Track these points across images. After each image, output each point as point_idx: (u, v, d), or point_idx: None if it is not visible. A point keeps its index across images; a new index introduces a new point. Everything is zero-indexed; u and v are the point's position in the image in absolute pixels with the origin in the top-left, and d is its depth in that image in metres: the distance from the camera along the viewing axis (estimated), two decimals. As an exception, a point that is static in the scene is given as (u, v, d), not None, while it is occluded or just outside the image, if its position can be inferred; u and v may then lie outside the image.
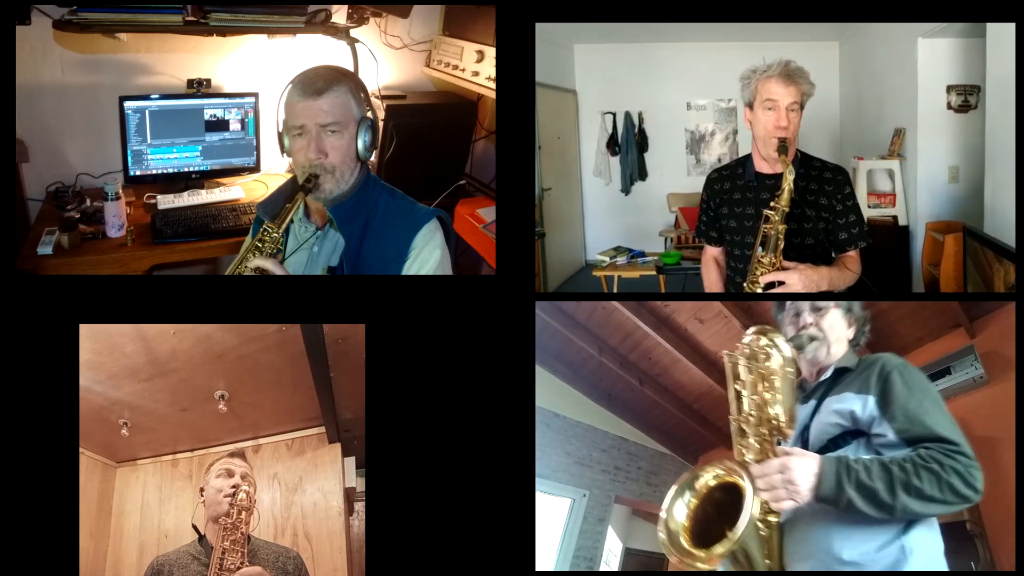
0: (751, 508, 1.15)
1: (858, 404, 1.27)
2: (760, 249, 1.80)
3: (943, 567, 1.24)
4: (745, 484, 1.17)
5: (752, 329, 1.29)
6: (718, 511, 1.21)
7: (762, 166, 1.91)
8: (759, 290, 1.79)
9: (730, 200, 1.97)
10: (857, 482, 1.15)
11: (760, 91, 1.82)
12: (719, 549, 1.15)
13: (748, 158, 1.96)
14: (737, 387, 1.29)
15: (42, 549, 1.71)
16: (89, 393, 1.94)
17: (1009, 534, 1.93)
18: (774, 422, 1.25)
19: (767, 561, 1.22)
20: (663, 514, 1.23)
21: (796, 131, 1.83)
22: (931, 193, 4.09)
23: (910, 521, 1.21)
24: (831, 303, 1.40)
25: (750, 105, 1.87)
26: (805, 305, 1.41)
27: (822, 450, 1.29)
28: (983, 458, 2.29)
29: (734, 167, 2.01)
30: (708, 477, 1.23)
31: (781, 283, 1.76)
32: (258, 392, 2.09)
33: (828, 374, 1.38)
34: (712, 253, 2.12)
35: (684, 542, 1.19)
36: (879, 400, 1.25)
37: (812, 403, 1.36)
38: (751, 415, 1.27)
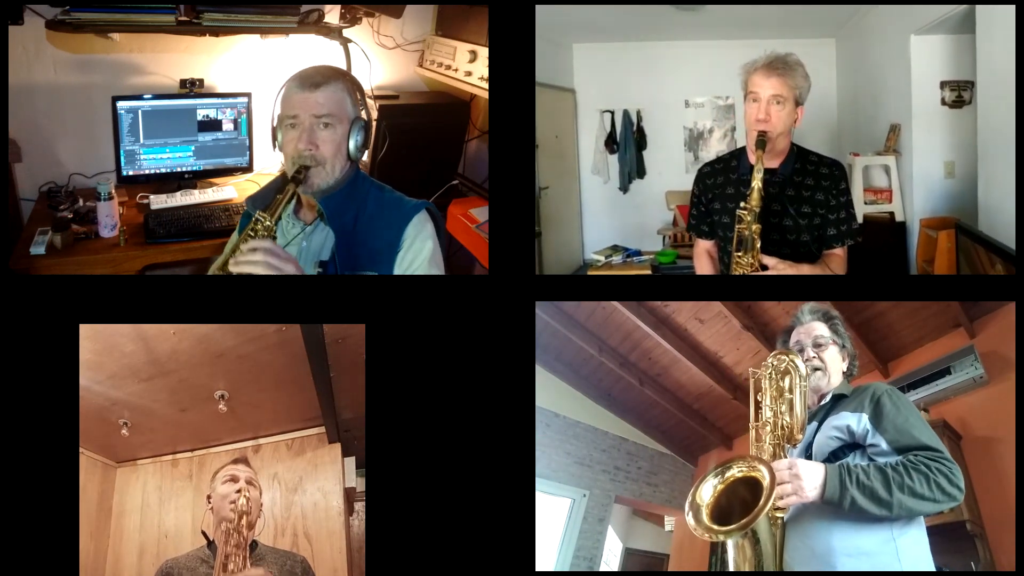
0: (770, 497, 1.27)
1: (853, 419, 1.43)
2: (739, 251, 1.77)
3: (931, 563, 1.35)
4: (766, 478, 1.30)
5: (775, 352, 1.51)
6: (739, 498, 1.33)
7: (755, 159, 1.85)
8: None
9: (723, 195, 1.93)
10: (858, 482, 1.28)
11: (748, 84, 1.81)
12: (735, 527, 1.27)
13: (742, 151, 1.91)
14: (758, 399, 1.47)
15: (42, 549, 1.70)
16: (89, 393, 1.93)
17: (1009, 534, 1.94)
18: (786, 430, 1.44)
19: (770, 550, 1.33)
20: (691, 494, 1.36)
21: (784, 126, 1.77)
22: (927, 189, 4.09)
23: (904, 522, 1.34)
24: (830, 340, 1.57)
25: (745, 98, 1.85)
26: (808, 341, 1.57)
27: (824, 462, 1.41)
28: (983, 458, 2.32)
29: (727, 160, 1.97)
30: (735, 469, 1.36)
31: None
32: (258, 392, 2.08)
33: (827, 400, 1.54)
34: (704, 246, 2.08)
35: (705, 517, 1.32)
36: (872, 417, 1.41)
37: (814, 424, 1.51)
38: (768, 423, 1.45)
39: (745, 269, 1.75)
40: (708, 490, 1.35)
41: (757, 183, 1.72)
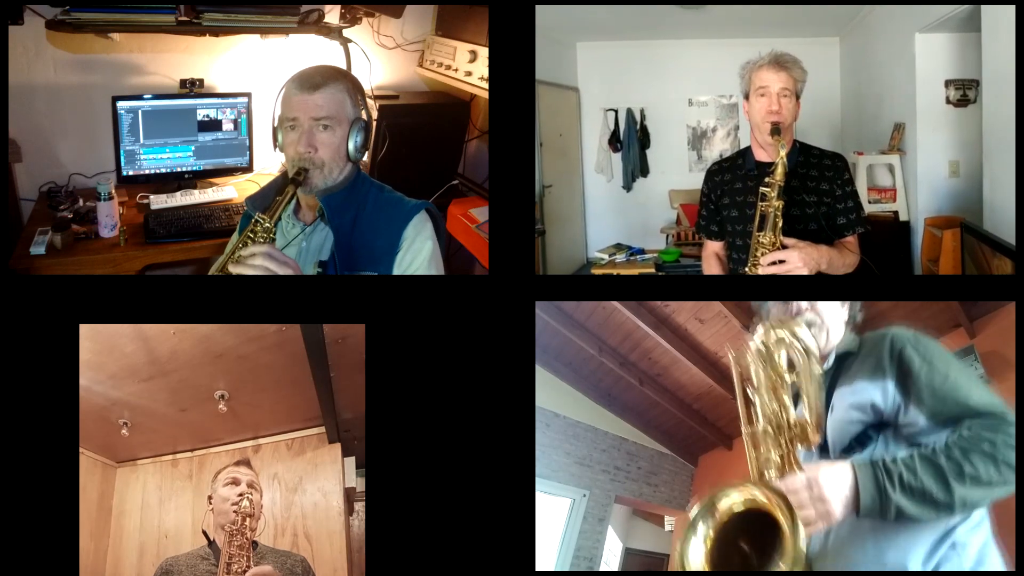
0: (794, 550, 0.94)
1: (877, 393, 1.11)
2: (760, 230, 1.80)
3: (996, 554, 1.09)
4: (783, 520, 0.96)
5: (766, 323, 1.14)
6: (744, 537, 1.01)
7: (761, 155, 1.92)
8: (761, 271, 1.77)
9: (731, 190, 1.98)
10: (902, 485, 0.99)
11: (753, 80, 1.87)
12: None
13: (747, 150, 1.98)
14: (748, 392, 1.12)
15: (42, 549, 1.70)
16: (89, 393, 1.93)
17: (1009, 534, 1.93)
18: (796, 429, 1.09)
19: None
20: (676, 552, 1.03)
21: (791, 118, 1.85)
22: (932, 188, 4.08)
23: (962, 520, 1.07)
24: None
25: (747, 96, 1.91)
26: None
27: (846, 451, 1.14)
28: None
29: (734, 159, 2.02)
30: (734, 498, 0.99)
31: (782, 262, 1.74)
32: (258, 392, 2.08)
33: (830, 362, 1.22)
34: (713, 248, 2.11)
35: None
36: (898, 383, 1.09)
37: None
38: (770, 423, 1.09)
39: (766, 248, 1.77)
40: (699, 547, 0.98)
41: (782, 159, 1.75)
